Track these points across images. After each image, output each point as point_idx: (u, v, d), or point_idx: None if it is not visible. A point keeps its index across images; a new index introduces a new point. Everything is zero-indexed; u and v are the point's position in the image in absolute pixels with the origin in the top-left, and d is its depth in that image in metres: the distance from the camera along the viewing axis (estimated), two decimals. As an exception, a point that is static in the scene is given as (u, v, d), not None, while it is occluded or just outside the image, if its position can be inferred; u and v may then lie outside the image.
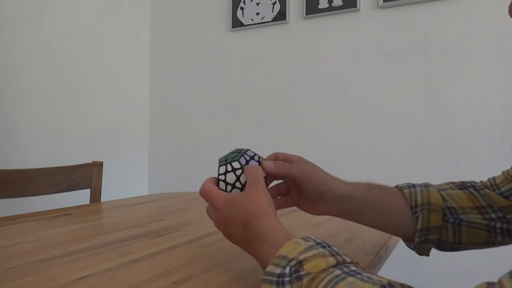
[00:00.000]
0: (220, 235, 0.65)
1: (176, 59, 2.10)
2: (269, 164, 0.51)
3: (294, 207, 0.56)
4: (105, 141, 1.92)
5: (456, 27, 1.46)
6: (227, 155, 0.52)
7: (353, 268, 0.35)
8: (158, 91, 2.16)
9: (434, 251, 0.55)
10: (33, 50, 1.59)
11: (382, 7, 1.58)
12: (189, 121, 2.05)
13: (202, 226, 0.73)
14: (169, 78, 2.13)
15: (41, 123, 1.63)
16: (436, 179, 0.64)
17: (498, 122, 1.39)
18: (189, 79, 2.06)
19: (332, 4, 1.66)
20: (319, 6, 1.69)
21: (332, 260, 0.35)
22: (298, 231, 0.71)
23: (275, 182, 0.55)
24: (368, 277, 0.32)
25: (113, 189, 1.88)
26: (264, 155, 0.55)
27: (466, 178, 0.60)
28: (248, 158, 0.50)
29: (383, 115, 1.57)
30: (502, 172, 0.54)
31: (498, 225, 0.51)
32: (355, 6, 1.62)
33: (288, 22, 1.79)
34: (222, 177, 0.50)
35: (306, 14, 1.72)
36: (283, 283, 0.35)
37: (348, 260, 0.36)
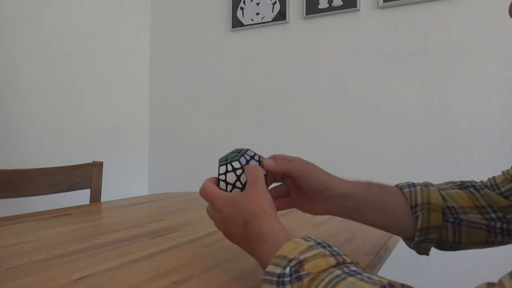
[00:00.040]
0: (220, 235, 0.65)
1: (176, 59, 2.10)
2: (269, 162, 0.51)
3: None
4: (105, 141, 1.92)
5: (456, 27, 1.46)
6: (227, 155, 0.52)
7: (354, 268, 0.35)
8: (158, 91, 2.16)
9: (434, 251, 0.55)
10: (33, 50, 1.59)
11: (382, 7, 1.58)
12: (189, 121, 2.05)
13: (202, 226, 0.73)
14: (169, 78, 2.13)
15: (41, 123, 1.63)
16: (436, 179, 0.64)
17: (498, 122, 1.39)
18: (189, 79, 2.06)
19: (332, 4, 1.66)
20: (319, 6, 1.69)
21: (332, 260, 0.35)
22: (298, 231, 0.71)
23: (274, 185, 0.56)
24: (369, 277, 0.32)
25: (113, 189, 1.88)
26: (264, 155, 0.55)
27: (466, 178, 0.60)
28: (248, 157, 0.50)
29: (383, 115, 1.57)
30: (502, 172, 0.54)
31: (498, 225, 0.51)
32: (355, 6, 1.62)
33: (288, 22, 1.79)
34: (222, 177, 0.50)
35: (306, 14, 1.72)
36: (283, 283, 0.35)
37: (348, 260, 0.36)
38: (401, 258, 1.46)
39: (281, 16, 1.79)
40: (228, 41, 1.94)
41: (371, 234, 0.69)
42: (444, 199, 0.53)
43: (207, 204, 0.49)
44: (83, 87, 1.81)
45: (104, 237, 0.64)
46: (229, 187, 0.49)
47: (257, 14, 1.84)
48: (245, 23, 1.88)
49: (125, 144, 2.04)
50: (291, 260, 0.35)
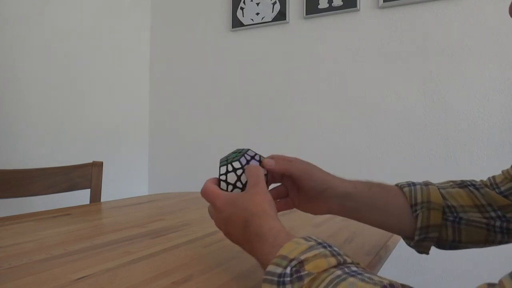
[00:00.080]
0: (220, 235, 0.65)
1: (176, 59, 2.10)
2: (269, 161, 0.51)
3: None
4: (105, 141, 1.92)
5: (456, 27, 1.46)
6: (228, 155, 0.52)
7: (354, 268, 0.35)
8: (158, 91, 2.16)
9: (434, 251, 0.55)
10: (33, 50, 1.59)
11: (382, 7, 1.58)
12: (189, 121, 2.05)
13: (202, 226, 0.73)
14: (169, 78, 2.13)
15: (41, 123, 1.63)
16: (436, 179, 0.64)
17: (498, 122, 1.39)
18: (189, 79, 2.06)
19: (332, 4, 1.66)
20: (319, 6, 1.69)
21: (333, 261, 0.35)
22: (298, 231, 0.71)
23: (273, 185, 0.56)
24: (369, 278, 0.32)
25: (113, 189, 1.88)
26: (264, 155, 0.55)
27: (466, 178, 0.60)
28: (249, 158, 0.50)
29: (383, 115, 1.57)
30: (502, 172, 0.54)
31: (498, 224, 0.51)
32: (355, 6, 1.62)
33: (288, 22, 1.79)
34: (223, 177, 0.50)
35: (306, 14, 1.72)
36: (284, 283, 0.35)
37: (349, 260, 0.36)
38: (401, 258, 1.46)
39: (281, 16, 1.79)
40: (228, 41, 1.94)
41: (371, 234, 0.69)
42: (444, 198, 0.53)
43: (207, 204, 0.49)
44: (83, 87, 1.81)
45: (104, 237, 0.64)
46: (230, 187, 0.49)
47: (257, 14, 1.84)
48: (245, 23, 1.88)
49: (125, 144, 2.04)
50: (291, 260, 0.35)
